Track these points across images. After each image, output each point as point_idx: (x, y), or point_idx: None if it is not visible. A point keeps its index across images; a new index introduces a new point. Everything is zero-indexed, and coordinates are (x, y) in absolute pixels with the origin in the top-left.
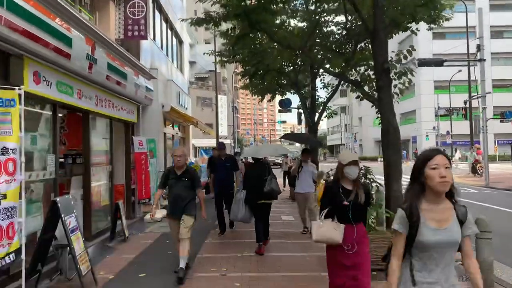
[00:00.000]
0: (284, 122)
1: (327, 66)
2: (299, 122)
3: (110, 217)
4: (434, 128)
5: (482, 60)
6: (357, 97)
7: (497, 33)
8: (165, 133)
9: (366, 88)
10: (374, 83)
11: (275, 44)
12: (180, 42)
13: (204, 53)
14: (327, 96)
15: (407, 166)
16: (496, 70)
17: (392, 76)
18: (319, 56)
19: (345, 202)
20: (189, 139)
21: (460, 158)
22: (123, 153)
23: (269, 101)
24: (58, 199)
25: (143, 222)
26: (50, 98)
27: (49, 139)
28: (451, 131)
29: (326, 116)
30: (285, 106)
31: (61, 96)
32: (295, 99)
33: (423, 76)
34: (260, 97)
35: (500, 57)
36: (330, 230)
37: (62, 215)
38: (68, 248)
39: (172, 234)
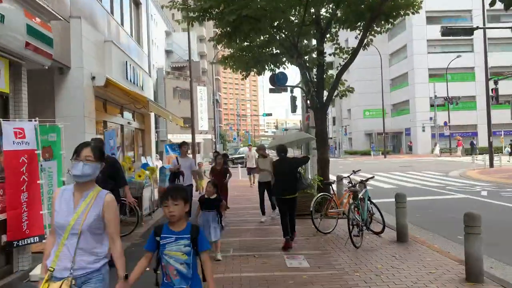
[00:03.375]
0: (269, 115)
1: None
2: (293, 109)
3: None
4: (431, 119)
5: None
6: None
7: (494, 17)
8: (105, 122)
9: None
10: None
11: None
12: (136, 3)
13: (163, 7)
14: (342, 62)
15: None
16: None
17: None
18: None
19: None
20: (150, 132)
21: (441, 151)
22: None
23: (259, 74)
24: None
25: (27, 285)
26: None
27: None
28: (449, 122)
29: (339, 94)
30: (278, 82)
31: None
32: (291, 76)
33: (417, 64)
34: (243, 73)
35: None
36: None
37: None
38: None
39: None
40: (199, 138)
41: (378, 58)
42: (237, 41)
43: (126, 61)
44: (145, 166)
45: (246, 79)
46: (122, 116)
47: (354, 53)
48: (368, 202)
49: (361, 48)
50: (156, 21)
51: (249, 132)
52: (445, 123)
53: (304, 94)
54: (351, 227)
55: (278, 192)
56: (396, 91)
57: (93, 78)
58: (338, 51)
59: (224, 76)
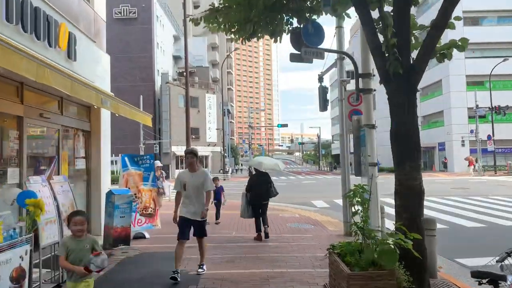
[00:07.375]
0: (285, 125)
1: None
2: (323, 106)
3: None
4: (472, 131)
5: None
6: None
7: None
8: None
9: None
10: None
11: None
12: None
13: None
14: None
15: None
16: None
17: None
18: None
19: None
20: (101, 137)
21: (476, 170)
22: None
23: (271, 36)
24: None
25: None
26: None
27: None
28: (493, 136)
29: (437, 54)
30: (308, 41)
31: None
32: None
33: (452, 70)
34: (240, 33)
35: None
36: None
37: None
38: None
39: None
40: (207, 150)
41: None
42: None
43: (29, 3)
44: (26, 196)
45: (244, 43)
46: (22, 102)
47: None
48: None
49: None
50: (163, 23)
51: (263, 145)
52: (489, 136)
53: (345, 78)
54: None
55: (256, 199)
56: (427, 101)
57: None
58: None
59: (239, 89)
